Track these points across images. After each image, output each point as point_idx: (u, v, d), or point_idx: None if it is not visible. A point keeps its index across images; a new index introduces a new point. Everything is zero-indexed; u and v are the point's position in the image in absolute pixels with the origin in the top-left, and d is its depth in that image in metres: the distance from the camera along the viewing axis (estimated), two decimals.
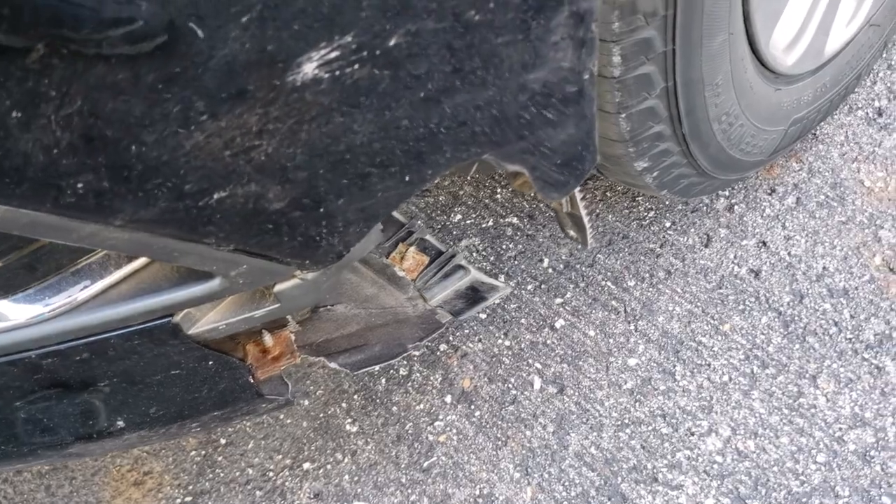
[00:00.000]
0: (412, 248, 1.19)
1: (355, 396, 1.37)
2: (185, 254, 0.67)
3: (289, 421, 1.36)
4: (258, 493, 1.30)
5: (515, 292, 1.43)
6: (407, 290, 1.16)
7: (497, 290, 1.18)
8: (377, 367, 1.33)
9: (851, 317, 1.31)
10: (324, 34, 0.56)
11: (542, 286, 1.43)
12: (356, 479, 1.29)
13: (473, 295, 1.18)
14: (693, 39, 0.91)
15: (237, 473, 1.32)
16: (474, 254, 1.49)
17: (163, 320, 0.76)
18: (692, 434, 1.24)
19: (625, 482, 1.22)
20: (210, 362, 0.82)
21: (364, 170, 0.66)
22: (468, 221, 1.55)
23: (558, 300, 1.41)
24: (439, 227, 1.55)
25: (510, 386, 1.33)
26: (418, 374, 1.38)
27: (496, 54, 0.64)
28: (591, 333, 1.36)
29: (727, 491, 1.18)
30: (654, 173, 1.09)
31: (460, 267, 1.19)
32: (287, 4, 0.53)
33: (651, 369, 1.31)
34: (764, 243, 1.42)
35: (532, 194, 1.11)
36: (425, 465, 1.28)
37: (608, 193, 1.51)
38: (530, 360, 1.35)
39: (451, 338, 1.41)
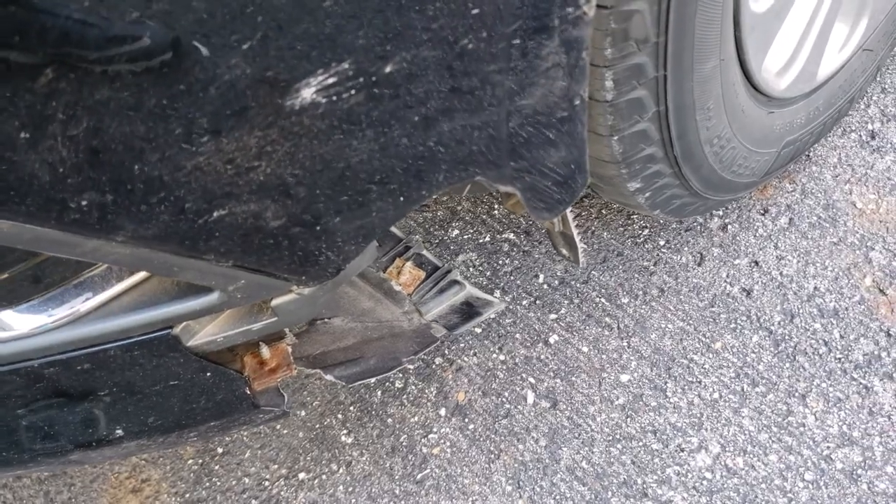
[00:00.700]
0: (409, 263, 1.21)
1: (351, 408, 1.39)
2: (185, 269, 0.69)
3: (285, 431, 1.38)
4: (254, 501, 1.31)
5: (511, 307, 1.45)
6: (403, 304, 1.18)
7: (491, 306, 1.20)
8: (372, 380, 1.35)
9: (841, 337, 1.33)
10: (322, 61, 0.58)
11: (537, 302, 1.45)
12: (351, 489, 1.30)
13: (468, 310, 1.20)
14: (684, 65, 0.94)
15: (233, 482, 1.34)
16: (471, 269, 1.51)
17: (162, 332, 0.78)
18: (682, 450, 1.26)
19: (615, 497, 1.23)
20: (208, 374, 0.84)
21: (359, 190, 0.68)
22: (465, 236, 1.57)
23: (553, 316, 1.43)
24: (437, 241, 1.57)
25: (504, 400, 1.35)
26: (413, 387, 1.40)
27: (489, 81, 0.67)
28: (585, 349, 1.38)
29: None
30: (646, 194, 1.11)
31: (456, 282, 1.21)
32: (287, 32, 0.56)
33: (643, 385, 1.33)
34: (756, 263, 1.44)
35: (523, 214, 1.13)
36: (419, 476, 1.30)
37: (603, 211, 1.54)
38: (524, 375, 1.37)
39: (446, 351, 1.43)
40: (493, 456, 1.30)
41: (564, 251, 1.06)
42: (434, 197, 0.74)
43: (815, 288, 1.39)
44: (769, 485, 1.21)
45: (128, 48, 0.53)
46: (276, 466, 1.35)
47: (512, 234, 1.55)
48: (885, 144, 1.55)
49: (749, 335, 1.36)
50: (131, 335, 0.77)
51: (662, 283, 1.43)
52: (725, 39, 1.00)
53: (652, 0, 0.84)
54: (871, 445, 1.22)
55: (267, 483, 1.33)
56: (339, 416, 1.39)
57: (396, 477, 1.31)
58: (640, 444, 1.27)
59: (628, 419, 1.30)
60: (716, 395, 1.30)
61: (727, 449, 1.25)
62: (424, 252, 1.23)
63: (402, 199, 0.72)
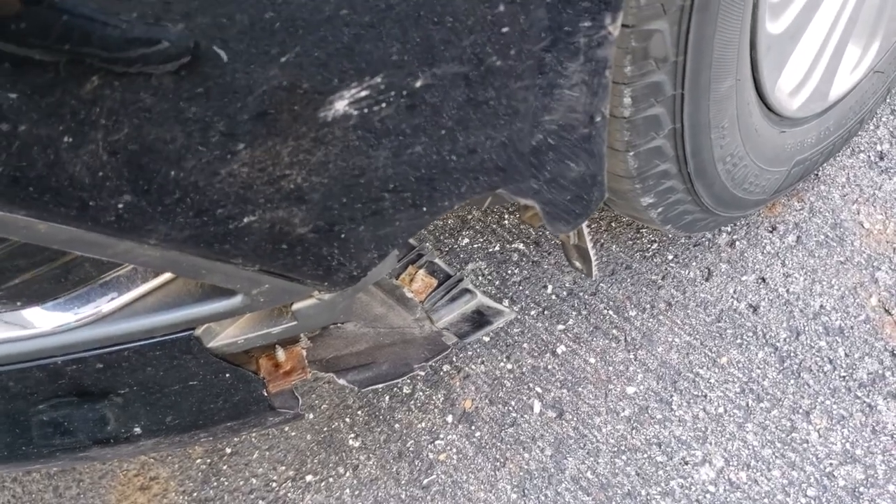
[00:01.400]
0: (421, 271, 1.23)
1: (359, 412, 1.41)
2: (212, 272, 0.70)
3: (293, 433, 1.39)
4: (261, 502, 1.33)
5: (519, 317, 1.46)
6: (415, 311, 1.19)
7: (502, 315, 1.22)
8: (382, 385, 1.36)
9: (846, 355, 1.34)
10: (356, 74, 0.60)
11: (546, 312, 1.47)
12: (357, 493, 1.32)
13: (479, 318, 1.21)
14: (701, 84, 0.95)
15: (241, 483, 1.35)
16: (480, 278, 1.53)
17: (184, 333, 0.80)
18: (686, 463, 1.27)
19: None
20: (227, 375, 0.85)
21: (384, 200, 0.70)
22: (475, 245, 1.58)
23: (560, 326, 1.44)
24: (447, 249, 1.58)
25: (510, 408, 1.37)
26: (421, 393, 1.41)
27: (514, 97, 0.68)
28: (592, 360, 1.39)
29: None
30: (658, 209, 1.13)
31: (467, 291, 1.22)
32: (324, 46, 0.57)
33: (649, 398, 1.34)
34: (763, 279, 1.45)
35: (541, 227, 1.14)
36: (425, 482, 1.31)
37: (613, 224, 1.55)
38: (531, 384, 1.39)
39: (454, 359, 1.44)
40: (498, 464, 1.31)
41: (577, 263, 1.07)
42: (455, 208, 0.75)
43: (822, 306, 1.40)
44: (772, 500, 1.22)
45: (158, 53, 0.55)
46: (283, 468, 1.36)
47: (521, 245, 1.56)
48: (893, 165, 1.57)
49: (755, 351, 1.37)
50: (154, 335, 0.79)
51: (670, 296, 1.45)
52: (742, 60, 1.02)
53: (672, 20, 0.86)
54: (873, 464, 1.23)
55: (274, 484, 1.35)
56: (347, 419, 1.40)
57: (403, 482, 1.32)
58: (645, 455, 1.29)
59: (634, 431, 1.31)
60: (720, 410, 1.32)
61: (731, 463, 1.27)
62: (437, 260, 1.25)
63: (424, 209, 0.73)
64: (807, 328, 1.38)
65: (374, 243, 0.75)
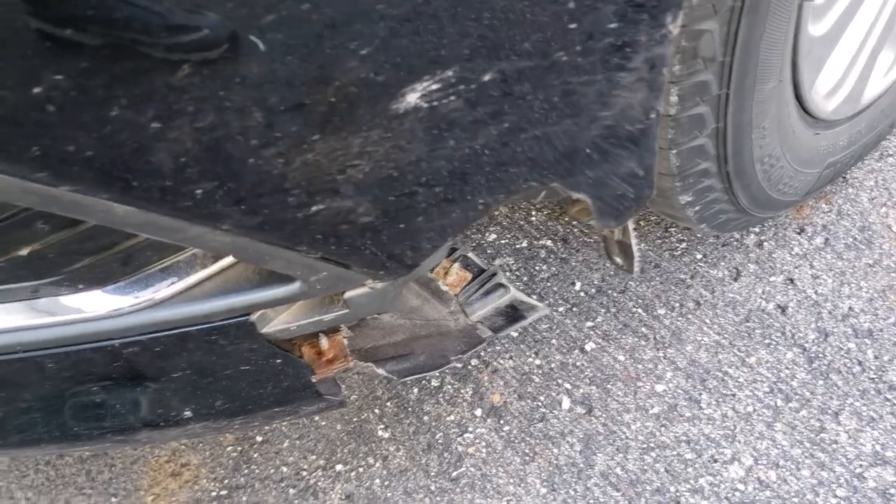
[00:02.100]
0: (456, 265, 1.24)
1: (388, 403, 1.42)
2: (275, 258, 0.72)
3: (323, 423, 1.41)
4: (291, 490, 1.34)
5: (547, 313, 1.47)
6: (449, 304, 1.21)
7: (536, 311, 1.23)
8: (420, 376, 1.38)
9: (875, 357, 1.35)
10: (429, 68, 0.61)
11: (574, 309, 1.48)
12: (387, 483, 1.33)
13: (513, 313, 1.23)
14: (746, 85, 0.97)
15: (272, 471, 1.37)
16: (507, 273, 1.54)
17: (240, 319, 0.81)
18: (715, 461, 1.29)
19: (648, 503, 1.26)
20: (278, 360, 0.87)
21: (446, 191, 0.71)
22: (502, 241, 1.60)
23: (589, 323, 1.45)
24: (474, 245, 1.60)
25: (539, 404, 1.38)
26: (450, 387, 1.42)
27: (576, 92, 0.70)
28: (621, 358, 1.41)
29: None
30: (696, 207, 1.14)
31: (501, 285, 1.24)
32: (400, 40, 0.59)
33: (678, 396, 1.35)
34: (791, 280, 1.46)
35: (588, 222, 1.16)
36: (454, 474, 1.33)
37: (641, 223, 1.56)
38: (560, 380, 1.40)
39: (482, 353, 1.45)
40: (527, 458, 1.33)
41: (618, 259, 1.09)
42: (510, 200, 0.77)
43: (850, 308, 1.41)
44: (801, 499, 1.23)
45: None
46: (314, 457, 1.38)
47: (549, 241, 1.58)
48: None
49: (783, 351, 1.38)
50: (212, 320, 0.80)
51: (699, 296, 1.46)
52: (785, 61, 1.03)
53: (722, 21, 0.87)
54: None
55: (305, 473, 1.36)
56: (377, 410, 1.41)
57: (432, 473, 1.33)
58: (674, 453, 1.30)
59: (663, 428, 1.33)
60: (749, 409, 1.33)
61: (760, 462, 1.28)
62: (471, 254, 1.26)
63: (481, 201, 0.75)
64: (835, 330, 1.39)
65: (431, 234, 0.76)
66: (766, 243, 1.52)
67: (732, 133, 1.02)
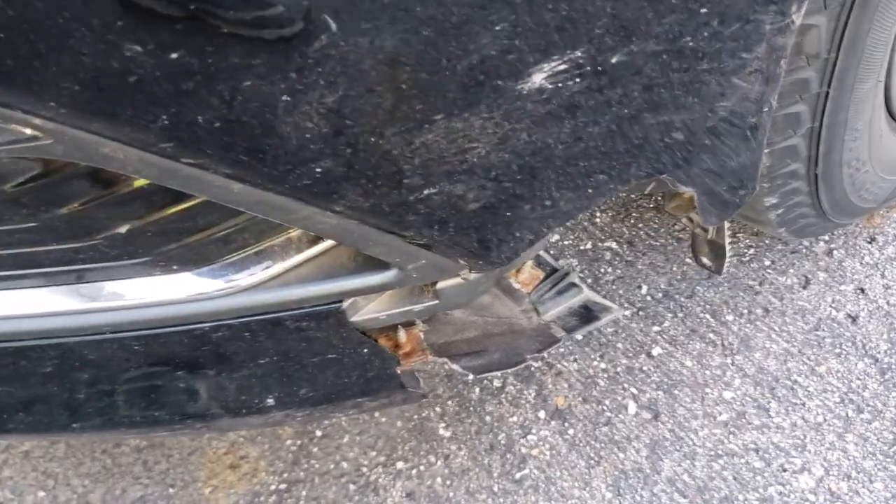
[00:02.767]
0: (529, 263, 1.22)
1: (449, 402, 1.40)
2: (379, 243, 0.70)
3: (384, 420, 1.39)
4: (351, 486, 1.33)
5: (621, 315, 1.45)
6: (521, 302, 1.19)
7: (610, 312, 1.21)
8: (497, 373, 1.36)
9: None
10: (559, 47, 0.59)
11: (640, 313, 1.45)
12: (449, 483, 1.31)
13: (586, 314, 1.20)
14: (847, 83, 0.94)
15: (331, 466, 1.35)
16: None
17: (332, 306, 0.80)
18: (785, 470, 1.26)
19: None
20: (365, 350, 0.85)
21: (558, 180, 0.70)
22: (566, 242, 1.58)
23: (656, 328, 1.43)
24: None
25: (604, 408, 1.36)
26: (512, 387, 1.40)
27: (699, 80, 0.68)
28: (688, 363, 1.38)
29: None
30: (779, 210, 1.12)
31: (574, 285, 1.21)
32: (535, 17, 0.57)
33: (746, 404, 1.33)
34: (862, 290, 1.43)
35: (685, 216, 1.13)
36: (517, 476, 1.31)
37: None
38: (626, 385, 1.37)
39: (546, 355, 1.43)
40: (592, 462, 1.30)
41: (706, 260, 1.06)
42: (620, 192, 0.75)
43: None
44: None
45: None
46: (374, 453, 1.36)
47: (614, 244, 1.55)
48: None
49: (854, 361, 1.35)
50: (304, 305, 0.79)
51: (767, 303, 1.43)
52: (885, 61, 1.00)
53: (831, 16, 0.85)
54: None
55: (365, 469, 1.35)
56: (438, 409, 1.40)
57: (495, 474, 1.31)
58: (743, 461, 1.27)
59: (731, 436, 1.30)
60: (820, 419, 1.30)
61: (831, 473, 1.25)
62: (542, 253, 1.24)
63: (590, 191, 0.73)
64: None
65: (535, 225, 0.74)
66: (835, 252, 1.49)
67: (826, 133, 0.99)
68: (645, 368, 1.38)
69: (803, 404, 1.32)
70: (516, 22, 0.57)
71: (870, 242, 1.49)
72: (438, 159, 0.63)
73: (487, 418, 1.38)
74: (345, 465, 1.36)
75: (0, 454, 1.43)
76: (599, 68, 0.62)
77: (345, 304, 0.81)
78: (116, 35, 0.50)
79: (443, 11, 0.55)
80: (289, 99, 0.55)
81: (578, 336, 1.43)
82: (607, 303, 1.21)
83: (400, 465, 1.35)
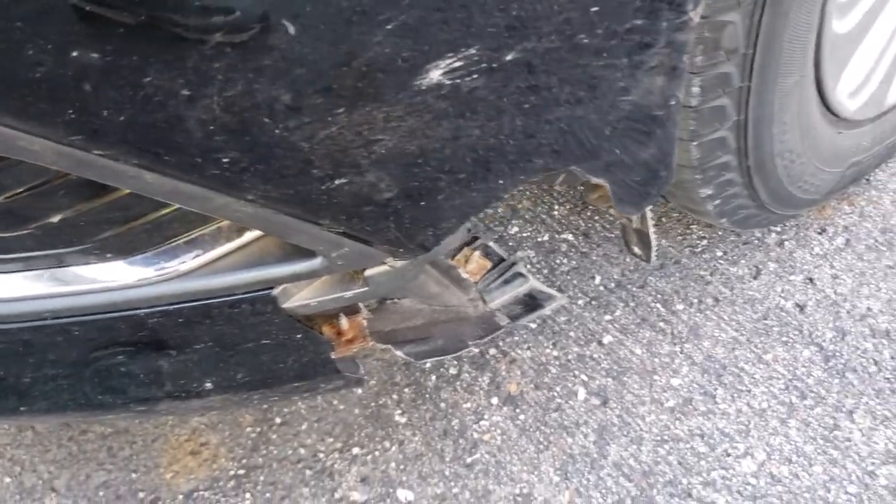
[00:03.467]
0: (476, 253, 1.25)
1: (406, 390, 1.44)
2: (299, 232, 0.74)
3: (342, 407, 1.43)
4: (308, 472, 1.36)
5: (566, 306, 1.48)
6: (469, 291, 1.22)
7: (554, 300, 1.24)
8: (428, 363, 1.40)
9: (891, 357, 1.35)
10: (453, 46, 0.63)
11: (593, 302, 1.49)
12: (402, 467, 1.35)
13: (531, 302, 1.24)
14: (768, 78, 0.97)
15: (289, 452, 1.39)
16: (528, 266, 1.55)
17: (263, 292, 0.83)
18: (728, 455, 1.29)
19: (660, 495, 1.27)
20: (298, 335, 0.89)
21: (466, 170, 0.73)
22: (524, 234, 1.61)
23: (607, 317, 1.46)
24: (496, 237, 1.61)
25: (555, 394, 1.39)
26: (467, 375, 1.44)
27: (597, 75, 0.71)
28: (638, 351, 1.41)
29: None
30: (716, 201, 1.15)
31: (520, 274, 1.25)
32: (427, 17, 0.60)
33: (693, 390, 1.36)
34: (811, 280, 1.47)
35: (607, 208, 1.17)
36: (469, 460, 1.34)
37: (663, 219, 1.57)
38: (576, 372, 1.41)
39: (500, 343, 1.47)
40: (542, 446, 1.34)
41: (636, 249, 1.10)
42: (530, 182, 0.78)
43: (868, 308, 1.42)
44: (812, 494, 1.23)
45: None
46: (331, 440, 1.40)
47: (570, 235, 1.59)
48: None
49: (800, 349, 1.39)
50: (235, 292, 0.82)
51: (718, 292, 1.47)
52: (807, 57, 1.03)
53: (745, 13, 0.88)
54: None
55: (321, 455, 1.38)
56: (395, 396, 1.43)
57: (447, 459, 1.35)
58: (688, 446, 1.31)
59: (677, 421, 1.33)
60: (764, 405, 1.33)
61: (772, 457, 1.28)
62: (491, 244, 1.27)
63: (501, 182, 0.76)
64: (853, 329, 1.39)
65: (450, 214, 0.78)
66: (787, 242, 1.52)
67: (753, 126, 1.02)
68: (595, 356, 1.42)
69: (749, 391, 1.35)
70: (408, 21, 0.60)
71: (820, 233, 1.53)
72: (344, 151, 0.67)
73: (442, 405, 1.41)
74: (302, 451, 1.39)
75: None
76: (495, 65, 0.66)
77: (276, 291, 0.85)
78: (21, 32, 0.53)
79: (335, 9, 0.58)
80: (189, 93, 0.58)
81: (528, 324, 1.47)
82: (552, 291, 1.25)
83: (356, 450, 1.38)
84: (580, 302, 1.49)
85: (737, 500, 1.25)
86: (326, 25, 0.59)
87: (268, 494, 1.35)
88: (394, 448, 1.38)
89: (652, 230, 1.03)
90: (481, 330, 1.18)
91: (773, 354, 1.38)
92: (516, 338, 1.47)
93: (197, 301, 0.83)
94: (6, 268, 0.83)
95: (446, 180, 0.73)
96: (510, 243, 1.60)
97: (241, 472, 1.38)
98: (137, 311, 0.84)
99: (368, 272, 0.86)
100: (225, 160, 0.63)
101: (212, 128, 0.61)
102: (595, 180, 0.80)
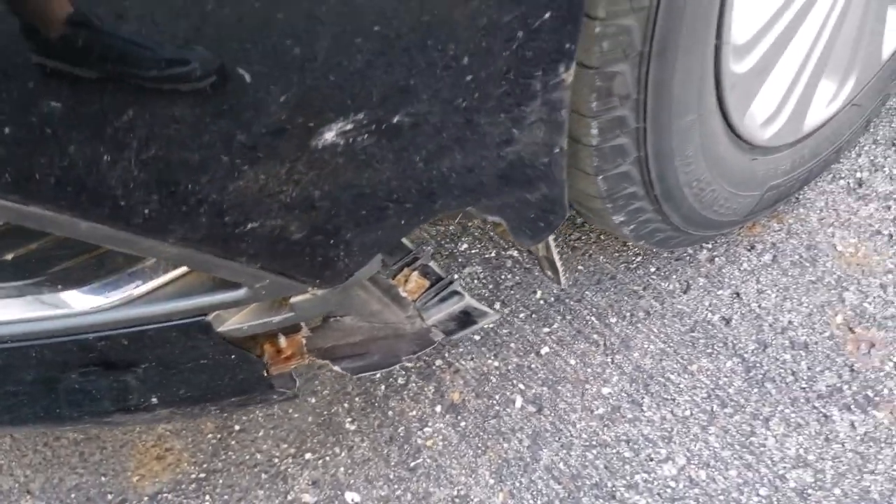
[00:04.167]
0: (415, 273, 1.35)
1: (357, 398, 1.54)
2: (220, 267, 0.84)
3: (296, 415, 1.53)
4: (263, 475, 1.47)
5: (508, 319, 1.59)
6: (407, 309, 1.32)
7: (487, 316, 1.34)
8: (377, 374, 1.50)
9: (808, 368, 1.45)
10: (342, 112, 0.73)
11: (533, 315, 1.59)
12: (350, 471, 1.45)
13: (465, 318, 1.34)
14: (662, 119, 1.07)
15: (247, 457, 1.49)
16: (475, 281, 1.66)
17: (197, 318, 0.94)
18: (651, 460, 1.39)
19: (586, 497, 1.37)
20: (233, 356, 0.99)
21: (369, 213, 0.83)
22: (473, 251, 1.71)
23: (546, 329, 1.57)
24: (447, 254, 1.71)
25: (494, 402, 1.49)
26: (414, 384, 1.54)
27: (480, 131, 0.81)
28: (572, 362, 1.52)
29: None
30: (630, 226, 1.25)
31: (456, 293, 1.35)
32: (319, 88, 0.70)
33: (622, 399, 1.46)
34: (738, 294, 1.57)
35: (508, 240, 1.26)
36: (412, 464, 1.44)
37: (602, 237, 1.67)
38: (515, 381, 1.51)
39: (446, 354, 1.57)
40: (480, 451, 1.44)
41: (549, 272, 1.20)
42: (430, 221, 0.88)
43: (790, 321, 1.51)
44: (727, 497, 1.34)
45: (184, 74, 0.68)
46: (285, 446, 1.50)
47: (515, 252, 1.69)
48: (870, 192, 1.67)
49: (724, 360, 1.49)
50: (172, 319, 0.93)
51: (649, 306, 1.57)
52: (704, 97, 1.13)
53: (633, 64, 0.98)
54: (823, 469, 1.34)
55: (276, 460, 1.48)
56: (346, 405, 1.53)
57: (392, 463, 1.45)
58: (614, 451, 1.41)
59: (605, 428, 1.43)
60: (687, 413, 1.43)
61: (692, 462, 1.38)
62: (431, 263, 1.38)
63: (402, 222, 0.86)
64: (774, 341, 1.49)
65: (359, 249, 0.88)
66: (717, 259, 1.62)
67: (654, 161, 1.12)
68: (533, 366, 1.52)
69: (673, 399, 1.45)
70: (299, 93, 0.70)
71: (749, 250, 1.63)
72: (254, 201, 0.77)
73: (390, 413, 1.51)
74: (259, 456, 1.50)
75: None
76: (384, 126, 0.76)
77: (209, 317, 0.95)
78: None
79: (238, 85, 0.68)
80: (108, 157, 0.68)
81: (476, 337, 1.57)
82: (485, 308, 1.35)
83: (308, 455, 1.48)
84: (521, 315, 1.60)
85: (657, 501, 1.35)
86: (232, 93, 0.69)
87: (226, 497, 1.45)
88: (343, 453, 1.48)
89: (557, 257, 1.13)
90: (416, 345, 1.28)
91: (697, 365, 1.48)
92: (461, 349, 1.57)
93: (139, 326, 0.93)
94: None
95: (351, 223, 0.83)
96: (460, 259, 1.70)
97: (202, 475, 1.48)
98: (87, 336, 0.94)
99: (293, 300, 0.97)
100: (146, 210, 0.73)
101: (132, 184, 0.71)
102: (491, 218, 0.90)
